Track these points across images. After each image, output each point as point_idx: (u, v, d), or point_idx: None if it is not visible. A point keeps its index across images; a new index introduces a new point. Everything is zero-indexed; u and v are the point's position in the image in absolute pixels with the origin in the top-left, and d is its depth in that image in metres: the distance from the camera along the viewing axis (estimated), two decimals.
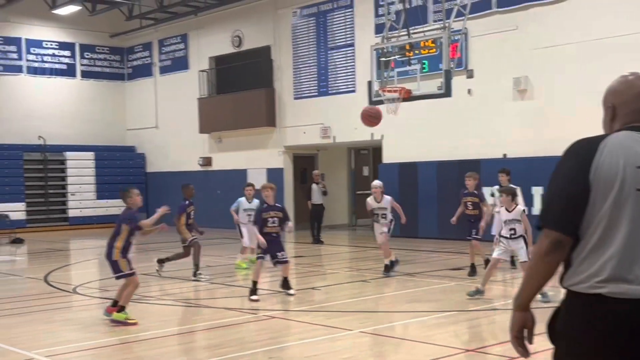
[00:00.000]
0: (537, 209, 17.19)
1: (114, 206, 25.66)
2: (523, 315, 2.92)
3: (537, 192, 17.14)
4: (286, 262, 10.74)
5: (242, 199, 14.01)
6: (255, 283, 10.48)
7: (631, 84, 2.89)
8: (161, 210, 9.54)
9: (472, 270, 12.35)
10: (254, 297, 10.34)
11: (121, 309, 8.87)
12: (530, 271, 2.84)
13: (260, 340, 8.07)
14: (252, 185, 14.24)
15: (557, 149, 13.73)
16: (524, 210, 10.26)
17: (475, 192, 12.65)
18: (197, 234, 12.88)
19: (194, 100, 26.02)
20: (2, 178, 25.21)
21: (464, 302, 9.93)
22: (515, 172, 17.57)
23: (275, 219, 10.55)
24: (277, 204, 10.86)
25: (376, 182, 13.28)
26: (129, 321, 8.78)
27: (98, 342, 8.16)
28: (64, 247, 21.02)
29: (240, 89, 24.79)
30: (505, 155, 18.03)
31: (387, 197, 12.99)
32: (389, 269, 12.72)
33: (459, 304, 9.84)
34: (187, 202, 12.99)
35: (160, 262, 13.11)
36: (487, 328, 8.84)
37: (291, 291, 10.72)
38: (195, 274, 12.66)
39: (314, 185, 19.58)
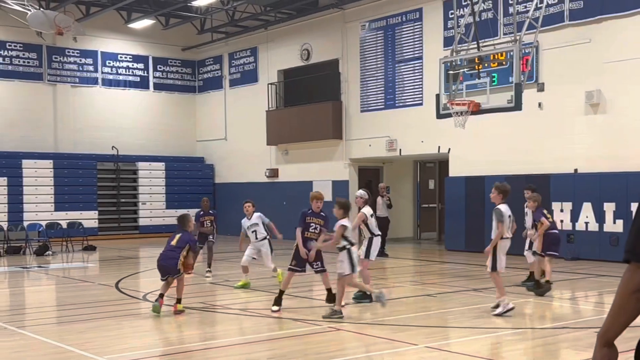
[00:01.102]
0: (608, 225, 16.76)
1: None
2: (608, 352, 2.81)
3: (609, 208, 16.72)
4: (322, 271, 10.75)
5: (244, 220, 13.45)
6: (282, 292, 10.55)
7: None
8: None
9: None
10: (275, 308, 10.40)
11: (179, 300, 10.36)
12: (618, 307, 2.70)
13: (324, 352, 8.08)
14: (249, 202, 13.60)
15: (630, 165, 13.49)
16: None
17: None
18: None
19: (262, 113, 26.34)
20: (76, 187, 26.01)
21: (533, 319, 9.73)
22: (587, 187, 17.22)
23: (318, 226, 10.62)
24: (322, 212, 10.80)
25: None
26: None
27: (165, 349, 8.32)
28: (134, 255, 21.52)
29: (308, 102, 24.98)
30: (576, 170, 17.65)
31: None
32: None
33: (527, 321, 9.66)
34: (202, 212, 15.07)
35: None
36: (557, 347, 8.64)
37: (335, 306, 10.11)
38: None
39: (379, 198, 19.53)
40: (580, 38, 17.59)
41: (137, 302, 11.98)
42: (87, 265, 18.67)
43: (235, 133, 28.22)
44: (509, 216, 10.50)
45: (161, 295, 10.38)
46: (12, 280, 15.69)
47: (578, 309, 11.29)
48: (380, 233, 11.83)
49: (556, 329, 9.18)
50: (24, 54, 26.05)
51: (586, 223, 17.22)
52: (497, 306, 10.06)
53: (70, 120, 27.01)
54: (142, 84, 28.63)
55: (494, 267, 10.17)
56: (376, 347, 8.28)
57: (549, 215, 12.54)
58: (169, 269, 10.35)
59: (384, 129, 22.45)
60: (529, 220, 12.88)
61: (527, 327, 9.22)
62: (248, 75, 27.70)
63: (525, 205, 12.98)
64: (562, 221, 17.70)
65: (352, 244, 10.02)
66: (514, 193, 18.82)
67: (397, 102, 22.25)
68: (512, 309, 9.92)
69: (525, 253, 12.91)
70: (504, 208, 10.46)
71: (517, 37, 14.20)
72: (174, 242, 10.39)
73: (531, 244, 12.63)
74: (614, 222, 16.65)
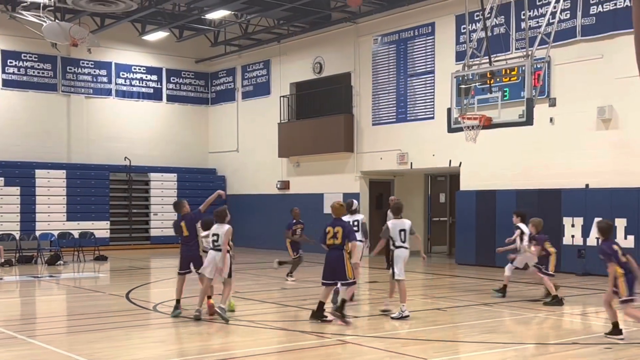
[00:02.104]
0: (619, 241, 16.67)
1: None
2: None
3: (621, 224, 16.64)
4: (352, 283, 10.68)
5: None
6: (322, 304, 10.52)
7: None
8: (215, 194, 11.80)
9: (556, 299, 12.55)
10: (321, 319, 10.47)
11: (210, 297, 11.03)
12: None
13: None
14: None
15: None
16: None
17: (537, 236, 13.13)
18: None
19: (274, 125, 26.43)
20: (88, 197, 26.14)
21: (543, 334, 9.71)
22: (598, 203, 17.17)
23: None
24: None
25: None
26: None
27: None
28: (145, 266, 21.59)
29: (320, 115, 25.06)
30: (587, 185, 17.60)
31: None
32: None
33: (537, 336, 9.63)
34: (294, 221, 15.99)
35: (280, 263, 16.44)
36: None
37: (348, 319, 10.40)
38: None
39: (389, 211, 19.50)
40: (592, 54, 17.58)
41: (148, 312, 12.02)
42: (98, 275, 18.74)
43: (247, 145, 28.32)
44: (401, 230, 11.29)
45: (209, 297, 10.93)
46: (24, 290, 15.78)
47: (588, 325, 11.24)
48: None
49: (566, 345, 9.15)
50: (38, 65, 26.29)
51: (597, 238, 17.05)
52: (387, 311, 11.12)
53: (83, 131, 27.20)
54: (156, 95, 28.81)
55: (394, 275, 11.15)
56: None
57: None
58: (192, 258, 10.99)
59: (395, 143, 22.48)
60: (518, 240, 13.33)
61: (537, 343, 9.19)
62: (261, 88, 27.82)
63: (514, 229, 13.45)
64: (573, 236, 17.65)
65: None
66: (529, 208, 18.85)
67: (408, 115, 22.28)
68: (407, 316, 10.82)
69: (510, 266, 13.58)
70: (393, 223, 11.35)
71: (529, 52, 14.22)
72: (186, 233, 11.14)
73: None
74: (625, 238, 16.56)
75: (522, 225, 13.34)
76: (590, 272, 17.04)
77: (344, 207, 11.12)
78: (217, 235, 10.66)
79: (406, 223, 11.34)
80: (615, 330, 9.33)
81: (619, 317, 9.48)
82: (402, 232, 11.24)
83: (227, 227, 10.71)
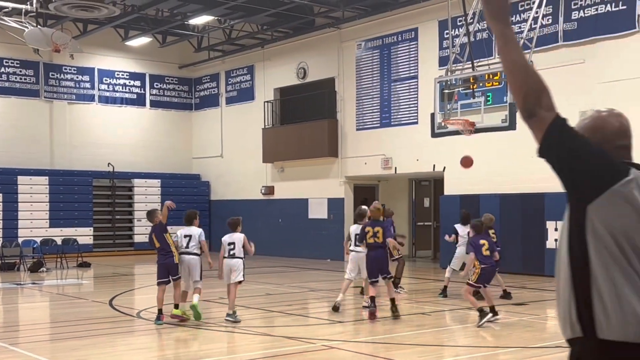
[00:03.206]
0: None
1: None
2: None
3: None
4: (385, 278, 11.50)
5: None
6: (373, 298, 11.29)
7: (605, 120, 2.85)
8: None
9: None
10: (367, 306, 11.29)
11: (177, 306, 11.03)
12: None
13: None
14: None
15: None
16: None
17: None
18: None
19: (259, 130, 26.41)
20: (71, 203, 25.97)
21: (527, 338, 9.75)
22: None
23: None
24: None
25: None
26: (184, 316, 10.96)
27: None
28: (129, 272, 21.48)
29: (304, 120, 25.07)
30: None
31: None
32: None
33: (521, 340, 9.67)
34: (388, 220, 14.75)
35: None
36: None
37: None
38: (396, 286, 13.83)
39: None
40: (574, 58, 17.72)
41: (131, 319, 11.96)
42: (82, 282, 18.62)
43: (231, 150, 28.27)
44: (355, 234, 12.04)
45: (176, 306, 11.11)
46: (6, 297, 15.65)
47: None
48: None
49: (550, 348, 9.20)
50: (20, 71, 26.14)
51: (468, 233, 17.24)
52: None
53: (66, 137, 27.05)
54: (139, 101, 28.70)
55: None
56: None
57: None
58: (168, 266, 11.17)
59: (379, 147, 22.53)
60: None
61: (521, 346, 9.23)
62: (244, 93, 27.80)
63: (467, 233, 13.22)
64: (556, 240, 17.74)
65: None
66: (513, 212, 18.94)
67: (392, 120, 22.34)
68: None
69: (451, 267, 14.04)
70: (353, 227, 12.27)
71: None
72: (157, 244, 11.42)
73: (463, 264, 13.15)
74: None
75: (457, 226, 14.03)
76: None
77: (381, 211, 12.30)
78: (234, 243, 11.28)
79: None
80: (492, 311, 10.71)
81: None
82: (356, 236, 12.06)
83: (241, 235, 11.46)
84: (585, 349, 2.52)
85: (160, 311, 10.88)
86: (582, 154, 2.57)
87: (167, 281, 11.12)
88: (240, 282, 11.20)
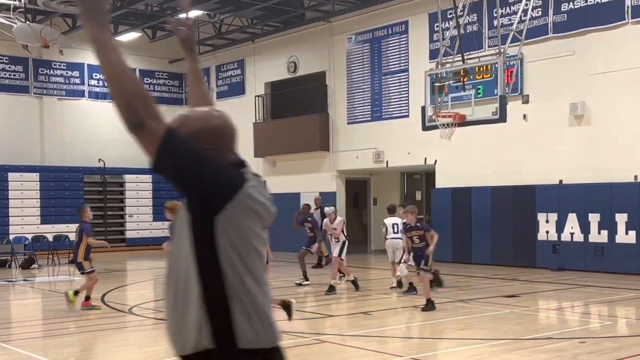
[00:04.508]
0: (593, 236, 16.88)
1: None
2: None
3: (594, 219, 16.84)
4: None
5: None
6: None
7: (214, 123, 2.67)
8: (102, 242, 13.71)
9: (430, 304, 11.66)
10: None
11: (87, 297, 12.07)
12: None
13: None
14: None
15: (614, 176, 13.69)
16: None
17: (419, 224, 12.42)
18: None
19: (250, 125, 26.36)
20: (62, 199, 25.88)
21: (518, 330, 9.78)
22: (572, 198, 17.35)
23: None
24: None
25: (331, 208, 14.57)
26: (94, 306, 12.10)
27: None
28: (121, 268, 21.43)
29: (295, 114, 25.04)
30: (561, 181, 17.77)
31: (339, 218, 14.57)
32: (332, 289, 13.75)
33: (512, 332, 9.71)
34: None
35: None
36: (541, 357, 8.69)
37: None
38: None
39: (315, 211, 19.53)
40: (564, 50, 17.75)
41: (123, 315, 11.94)
42: (74, 279, 18.55)
43: None
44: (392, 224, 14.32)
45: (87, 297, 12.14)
46: None
47: (564, 320, 11.36)
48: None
49: (541, 340, 9.23)
50: (9, 67, 26.00)
51: (571, 234, 17.32)
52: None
53: (56, 133, 26.93)
54: None
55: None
56: (362, 359, 8.29)
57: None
58: (76, 265, 12.47)
59: (370, 141, 22.53)
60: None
61: (513, 338, 9.26)
62: (235, 88, 27.74)
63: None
64: (547, 232, 17.81)
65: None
66: (504, 205, 18.99)
67: (383, 114, 22.34)
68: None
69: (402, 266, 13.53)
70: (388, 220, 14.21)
71: (502, 50, 14.33)
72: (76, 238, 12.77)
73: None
74: (599, 233, 16.76)
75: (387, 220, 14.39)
76: (564, 267, 17.21)
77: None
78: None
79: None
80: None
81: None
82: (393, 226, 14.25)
83: None
84: None
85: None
86: (202, 164, 2.42)
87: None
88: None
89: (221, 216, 2.43)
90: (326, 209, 14.79)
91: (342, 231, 14.25)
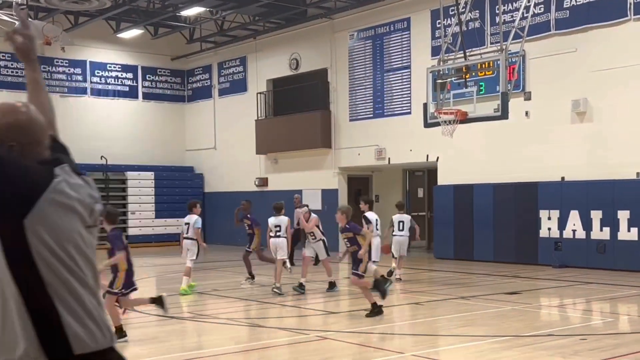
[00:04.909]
0: (595, 233, 16.85)
1: (172, 225, 26.21)
2: None
3: (596, 216, 16.81)
4: None
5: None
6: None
7: (22, 119, 2.59)
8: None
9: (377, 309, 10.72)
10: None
11: None
12: None
13: None
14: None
15: (617, 173, 13.66)
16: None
17: (347, 226, 11.05)
18: None
19: (252, 122, 26.37)
20: None
21: (519, 327, 9.78)
22: (574, 195, 17.33)
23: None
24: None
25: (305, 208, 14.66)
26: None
27: (153, 359, 8.30)
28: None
29: (297, 111, 25.03)
30: (563, 178, 17.75)
31: (314, 216, 14.14)
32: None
33: (513, 329, 9.70)
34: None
35: None
36: (542, 354, 8.68)
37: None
38: None
39: (297, 210, 19.17)
40: (566, 47, 17.72)
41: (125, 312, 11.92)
42: None
43: (225, 142, 28.22)
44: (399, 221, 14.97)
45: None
46: None
47: (565, 316, 11.35)
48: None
49: (542, 337, 9.23)
50: (12, 64, 26.00)
51: (573, 231, 17.30)
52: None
53: (58, 130, 26.88)
54: (131, 93, 28.60)
55: None
56: (363, 355, 8.29)
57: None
58: None
59: (372, 138, 22.52)
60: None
61: (514, 335, 9.26)
62: (237, 85, 27.73)
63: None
64: (549, 229, 17.80)
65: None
66: (506, 202, 18.95)
67: (385, 111, 22.33)
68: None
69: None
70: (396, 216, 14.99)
71: (504, 47, 14.30)
72: None
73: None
74: (601, 230, 16.74)
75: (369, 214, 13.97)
76: (566, 264, 17.19)
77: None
78: (279, 225, 13.28)
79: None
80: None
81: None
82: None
83: (286, 218, 13.47)
84: None
85: None
86: (1, 167, 2.34)
87: None
88: (284, 261, 13.36)
89: (30, 217, 2.32)
90: (298, 210, 15.17)
91: (318, 227, 13.67)
